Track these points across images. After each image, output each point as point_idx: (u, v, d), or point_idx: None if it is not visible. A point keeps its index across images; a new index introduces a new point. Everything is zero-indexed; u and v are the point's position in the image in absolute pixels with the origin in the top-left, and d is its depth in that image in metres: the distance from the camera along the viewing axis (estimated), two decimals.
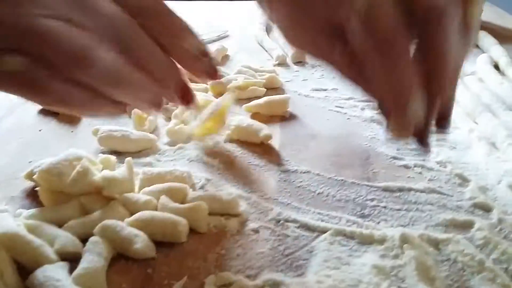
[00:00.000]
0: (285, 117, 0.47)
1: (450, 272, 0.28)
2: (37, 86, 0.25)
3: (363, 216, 0.33)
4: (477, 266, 0.27)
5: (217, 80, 0.33)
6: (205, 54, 0.31)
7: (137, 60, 0.26)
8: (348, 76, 0.29)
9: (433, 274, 0.27)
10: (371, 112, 0.47)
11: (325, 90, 0.53)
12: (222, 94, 0.51)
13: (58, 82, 0.25)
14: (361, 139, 0.43)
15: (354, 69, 0.29)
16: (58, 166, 0.32)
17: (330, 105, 0.50)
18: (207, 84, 0.52)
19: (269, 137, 0.42)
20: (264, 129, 0.42)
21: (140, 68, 0.26)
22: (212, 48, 0.64)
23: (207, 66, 0.31)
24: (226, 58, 0.65)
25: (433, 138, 0.38)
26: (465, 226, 0.31)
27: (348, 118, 0.47)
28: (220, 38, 0.74)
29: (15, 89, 0.25)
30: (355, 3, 0.26)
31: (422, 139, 0.30)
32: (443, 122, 0.30)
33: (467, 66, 0.58)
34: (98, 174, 0.32)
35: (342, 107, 0.49)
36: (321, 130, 0.44)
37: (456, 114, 0.46)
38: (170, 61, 0.29)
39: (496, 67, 0.58)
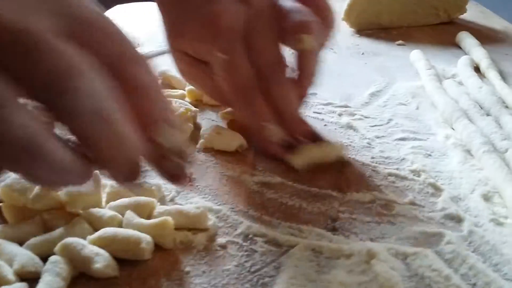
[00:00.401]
0: None
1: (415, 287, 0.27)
2: None
3: (333, 229, 0.32)
4: (444, 282, 0.27)
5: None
6: (179, 153, 0.25)
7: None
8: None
9: None
10: (348, 118, 0.47)
11: None
12: (200, 101, 0.51)
13: None
14: None
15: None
16: (21, 181, 0.31)
17: (308, 111, 0.49)
18: (184, 90, 0.51)
19: (243, 146, 0.41)
20: (238, 138, 0.41)
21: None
22: None
23: (175, 168, 0.26)
24: None
25: (410, 149, 0.38)
26: (435, 239, 0.31)
27: (325, 125, 0.46)
28: None
29: None
30: (216, 49, 0.36)
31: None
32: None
33: (448, 69, 0.58)
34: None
35: (320, 113, 0.48)
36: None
37: (434, 120, 0.46)
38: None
39: (478, 69, 0.57)
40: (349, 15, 0.75)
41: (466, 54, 0.63)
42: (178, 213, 0.32)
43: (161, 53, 0.64)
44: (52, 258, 0.27)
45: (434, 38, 0.72)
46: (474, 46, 0.62)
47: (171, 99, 0.48)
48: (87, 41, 0.22)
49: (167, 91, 0.51)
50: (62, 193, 0.31)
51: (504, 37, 0.72)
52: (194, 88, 0.51)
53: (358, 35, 0.74)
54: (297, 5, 0.38)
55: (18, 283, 0.26)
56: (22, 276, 0.27)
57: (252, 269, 0.29)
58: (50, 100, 0.20)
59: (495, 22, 0.80)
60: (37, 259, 0.28)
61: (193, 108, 0.46)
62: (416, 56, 0.59)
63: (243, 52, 0.37)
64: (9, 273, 0.27)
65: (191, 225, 0.32)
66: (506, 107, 0.47)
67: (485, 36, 0.72)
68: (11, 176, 0.32)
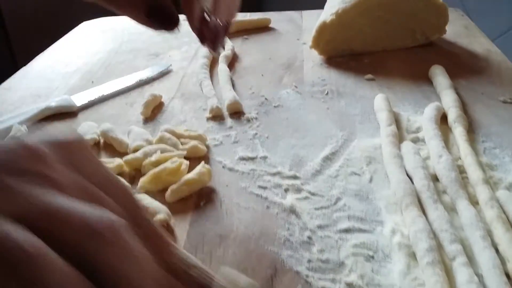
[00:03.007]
0: (199, 205, 0.43)
1: None
2: None
3: None
4: None
5: None
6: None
7: None
8: None
9: None
10: (293, 197, 0.43)
11: (254, 159, 0.49)
12: (139, 170, 0.47)
13: None
14: (272, 243, 0.38)
15: None
16: None
17: (253, 184, 0.45)
18: (123, 161, 0.48)
19: (164, 221, 0.38)
20: (162, 212, 0.39)
21: None
22: (146, 93, 0.60)
23: None
24: (160, 106, 0.60)
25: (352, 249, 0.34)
26: None
27: (267, 207, 0.42)
28: (162, 74, 0.70)
29: None
30: None
31: None
32: None
33: (413, 119, 0.54)
34: None
35: (265, 188, 0.44)
36: (233, 227, 0.40)
37: (386, 200, 0.42)
38: None
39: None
40: (318, 42, 0.70)
41: (437, 95, 0.58)
42: None
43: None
44: None
45: (408, 68, 0.67)
46: (445, 89, 0.56)
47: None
48: None
49: (104, 161, 0.48)
50: None
51: (485, 64, 0.67)
52: (133, 158, 0.47)
53: (326, 65, 0.69)
54: None
55: None
56: None
57: None
58: None
59: (478, 42, 0.75)
60: None
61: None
62: (380, 104, 0.54)
63: None
64: None
65: None
66: (466, 180, 0.43)
67: (464, 65, 0.67)
68: None
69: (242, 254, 0.38)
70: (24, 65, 0.74)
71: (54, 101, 0.59)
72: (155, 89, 0.65)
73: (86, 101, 0.61)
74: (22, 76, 0.71)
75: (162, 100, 0.61)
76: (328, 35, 0.69)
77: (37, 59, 0.77)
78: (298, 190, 0.44)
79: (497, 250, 0.36)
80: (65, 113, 0.59)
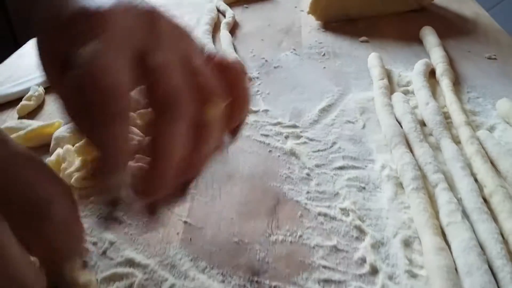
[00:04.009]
0: None
1: None
2: None
3: (254, 281, 0.33)
4: None
5: None
6: None
7: None
8: None
9: None
10: (293, 142, 0.47)
11: (256, 112, 0.53)
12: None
13: None
14: (275, 179, 0.43)
15: None
16: None
17: (257, 133, 0.49)
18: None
19: None
20: None
21: None
22: None
23: None
24: None
25: (345, 182, 0.39)
26: None
27: (270, 151, 0.46)
28: None
29: None
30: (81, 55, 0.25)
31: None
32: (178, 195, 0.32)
33: (404, 74, 0.57)
34: None
35: (267, 136, 0.48)
36: (239, 168, 0.44)
37: (377, 143, 0.46)
38: None
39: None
40: (315, 8, 0.74)
41: (426, 53, 0.62)
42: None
43: None
44: None
45: (400, 31, 0.71)
46: (434, 46, 0.60)
47: None
48: None
49: None
50: None
51: (472, 27, 0.71)
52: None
53: (323, 30, 0.73)
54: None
55: None
56: None
57: None
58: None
59: (467, 6, 0.78)
60: None
61: None
62: (373, 61, 0.58)
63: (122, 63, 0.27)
64: None
65: None
66: (451, 124, 0.47)
67: (453, 27, 0.71)
68: None
69: (248, 189, 0.42)
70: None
71: None
72: None
73: None
74: (32, 45, 0.74)
75: None
76: (324, 1, 0.73)
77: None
78: (298, 136, 0.48)
79: (476, 180, 0.40)
80: None
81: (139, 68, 0.27)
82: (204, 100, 0.29)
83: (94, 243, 0.37)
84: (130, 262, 0.35)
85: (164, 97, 0.27)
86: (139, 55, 0.27)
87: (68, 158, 0.44)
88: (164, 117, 0.27)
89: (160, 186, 0.28)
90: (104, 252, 0.36)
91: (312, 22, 0.75)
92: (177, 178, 0.29)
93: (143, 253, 0.36)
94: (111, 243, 0.37)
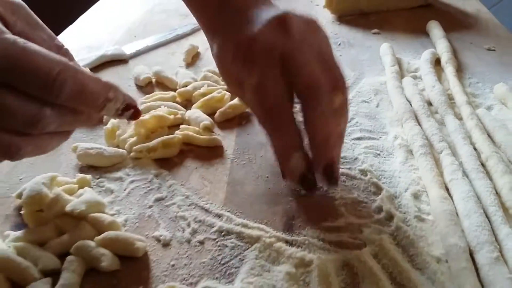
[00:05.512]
0: (241, 124, 0.54)
1: (345, 276, 0.35)
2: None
3: (287, 230, 0.40)
4: (367, 271, 0.35)
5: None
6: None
7: None
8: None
9: (331, 279, 0.34)
10: None
11: None
12: (190, 101, 0.58)
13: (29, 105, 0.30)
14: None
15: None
16: (37, 190, 0.39)
17: None
18: (175, 92, 0.58)
19: (209, 127, 0.51)
20: (207, 120, 0.51)
21: None
22: (184, 45, 0.70)
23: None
24: (197, 56, 0.70)
25: (363, 149, 0.46)
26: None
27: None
28: (194, 30, 0.80)
29: None
30: (250, 78, 0.37)
31: (305, 187, 0.41)
32: (329, 178, 0.40)
33: (412, 62, 0.64)
34: (70, 198, 0.40)
35: (295, 113, 0.55)
36: None
37: (390, 119, 0.53)
38: None
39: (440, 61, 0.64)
40: (331, 2, 0.80)
41: (432, 44, 0.69)
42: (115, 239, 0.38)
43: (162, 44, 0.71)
44: (69, 258, 0.36)
45: (409, 25, 0.78)
46: (439, 38, 0.67)
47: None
48: None
49: (159, 93, 0.59)
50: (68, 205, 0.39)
51: (474, 22, 0.78)
52: (185, 90, 0.58)
53: (338, 23, 0.80)
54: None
55: (43, 279, 0.35)
56: (45, 273, 0.36)
57: (223, 261, 0.37)
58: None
59: (469, 3, 0.85)
60: (55, 259, 0.36)
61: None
62: (385, 50, 0.65)
63: (275, 78, 0.37)
64: (36, 272, 0.35)
65: (125, 252, 0.38)
66: (454, 104, 0.54)
67: (457, 21, 0.78)
68: (29, 185, 0.40)
69: None
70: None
71: (109, 50, 0.69)
72: (190, 42, 0.75)
73: (134, 51, 0.71)
74: (70, 31, 0.81)
75: (199, 50, 0.72)
76: None
77: (82, 17, 0.87)
78: None
79: (474, 149, 0.47)
80: (117, 61, 0.70)
81: (284, 68, 0.37)
82: (334, 87, 0.38)
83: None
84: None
85: (307, 88, 0.37)
86: (282, 59, 0.37)
87: (121, 126, 0.51)
88: (311, 104, 0.38)
89: (327, 154, 0.39)
90: (159, 199, 0.43)
91: (327, 15, 0.82)
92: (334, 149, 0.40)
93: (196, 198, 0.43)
94: (168, 192, 0.44)
